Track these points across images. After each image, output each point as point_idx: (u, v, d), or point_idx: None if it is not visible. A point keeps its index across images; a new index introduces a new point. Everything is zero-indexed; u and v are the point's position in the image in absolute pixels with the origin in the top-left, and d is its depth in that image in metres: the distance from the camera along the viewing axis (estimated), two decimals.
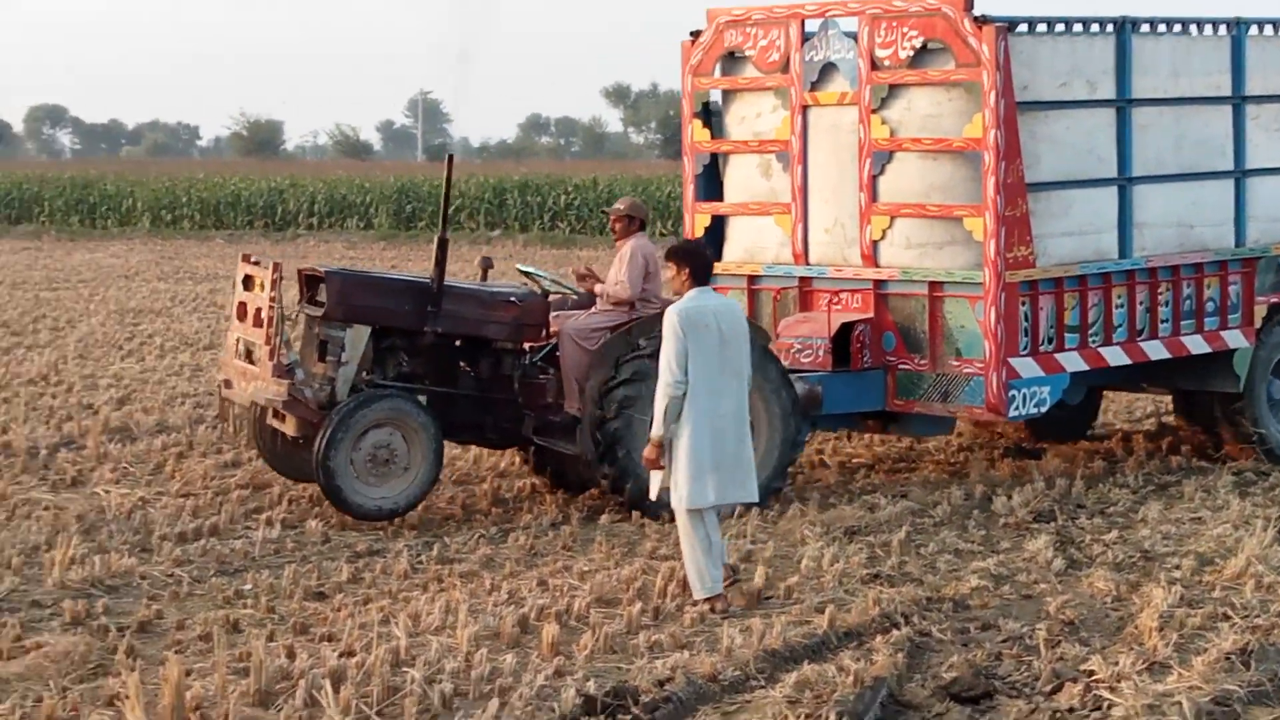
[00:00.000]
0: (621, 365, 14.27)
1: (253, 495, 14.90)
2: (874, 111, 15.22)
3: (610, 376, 14.24)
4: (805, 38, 15.55)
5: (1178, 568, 12.44)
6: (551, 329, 15.25)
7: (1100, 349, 15.54)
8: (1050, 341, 15.21)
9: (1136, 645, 10.52)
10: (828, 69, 15.51)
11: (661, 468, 11.60)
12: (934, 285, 14.99)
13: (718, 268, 15.99)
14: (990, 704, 9.62)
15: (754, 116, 16.23)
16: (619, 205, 15.46)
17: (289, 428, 14.45)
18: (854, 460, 16.63)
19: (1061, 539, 13.43)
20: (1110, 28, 15.49)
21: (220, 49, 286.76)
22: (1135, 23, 15.56)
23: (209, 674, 9.92)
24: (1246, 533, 13.21)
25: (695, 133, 16.58)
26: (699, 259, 11.74)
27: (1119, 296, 15.64)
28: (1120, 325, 15.68)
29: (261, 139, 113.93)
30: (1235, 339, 16.30)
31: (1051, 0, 16.56)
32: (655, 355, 13.21)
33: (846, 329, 15.35)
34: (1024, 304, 14.89)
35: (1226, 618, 11.03)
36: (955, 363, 14.76)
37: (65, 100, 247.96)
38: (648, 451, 11.67)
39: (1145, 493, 15.26)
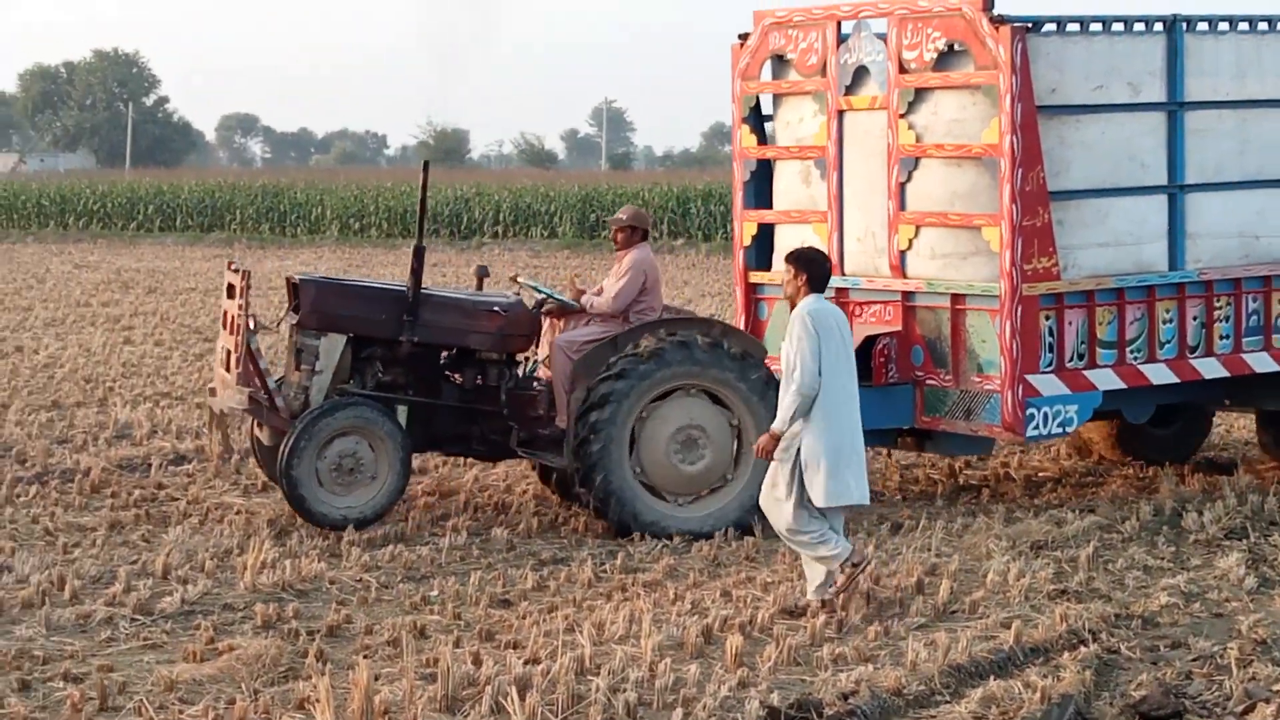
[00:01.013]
0: (594, 386, 14.00)
1: (439, 502, 15.16)
2: (901, 116, 14.83)
3: (585, 395, 13.97)
4: (841, 40, 15.27)
5: None
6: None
7: (1142, 366, 14.92)
8: (1081, 358, 14.67)
9: None
10: (860, 72, 15.19)
11: (773, 459, 11.64)
12: (956, 298, 14.57)
13: (765, 277, 16.23)
14: None
15: (797, 122, 15.99)
16: (620, 214, 15.20)
17: (264, 436, 14.60)
18: (1040, 474, 16.47)
19: (1253, 556, 13.28)
20: (1159, 27, 14.88)
21: (408, 59, 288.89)
22: (1190, 21, 14.93)
23: (397, 679, 10.04)
24: None
25: (743, 138, 16.41)
26: (818, 266, 11.81)
27: (1167, 311, 15.03)
28: (1168, 342, 15.04)
29: (447, 148, 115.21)
30: None
31: (1099, 1, 15.78)
32: (623, 375, 13.96)
33: (870, 342, 14.98)
34: (1048, 318, 14.39)
35: None
36: (977, 379, 14.33)
37: (256, 109, 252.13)
38: (764, 442, 11.67)
39: None
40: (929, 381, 14.28)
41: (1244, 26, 15.15)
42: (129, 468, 16.61)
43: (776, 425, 11.55)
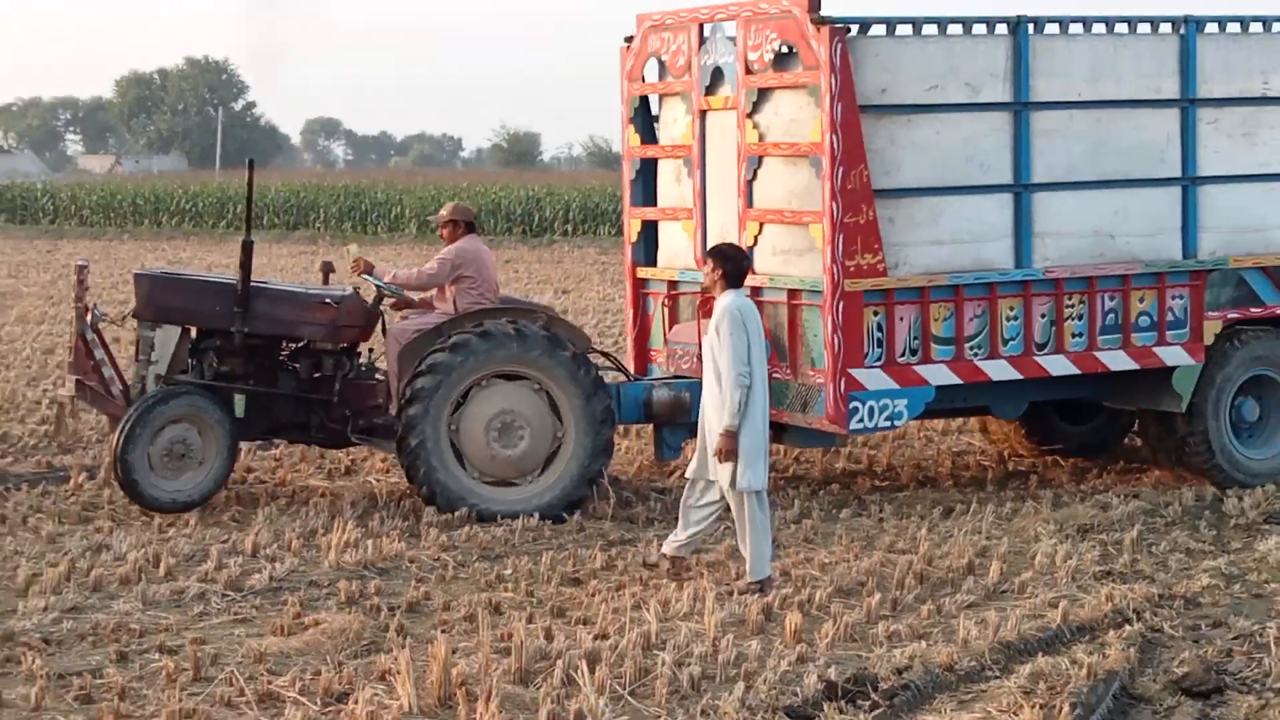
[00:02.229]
0: (417, 363, 14.08)
1: None
2: (748, 116, 14.66)
3: (414, 371, 14.08)
4: (702, 42, 15.24)
5: None
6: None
7: (981, 362, 14.52)
8: (914, 353, 14.33)
9: None
10: (717, 73, 15.09)
11: (735, 458, 11.67)
12: (792, 293, 14.40)
13: (651, 273, 16.43)
14: (1221, 699, 9.62)
15: (672, 122, 15.99)
16: (442, 212, 15.34)
17: (107, 424, 14.85)
18: (1086, 460, 16.26)
19: None
20: (1003, 29, 14.55)
21: (483, 63, 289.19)
22: (1038, 22, 14.60)
23: (473, 653, 10.21)
24: None
25: (630, 138, 16.42)
26: (734, 263, 11.87)
27: (1011, 308, 14.60)
28: (1013, 339, 14.61)
29: (520, 150, 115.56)
30: (1175, 356, 15.00)
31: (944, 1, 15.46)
32: (456, 348, 14.06)
33: None
34: (876, 314, 14.11)
35: None
36: (811, 373, 14.19)
37: (339, 113, 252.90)
38: (723, 444, 11.61)
39: None
40: (774, 375, 13.91)
41: (1099, 28, 14.87)
42: None
43: (729, 422, 11.57)
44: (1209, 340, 15.06)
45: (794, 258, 14.30)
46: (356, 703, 9.16)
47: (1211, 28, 15.12)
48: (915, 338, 14.24)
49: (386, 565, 12.61)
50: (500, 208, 60.48)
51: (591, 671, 9.65)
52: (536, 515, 13.89)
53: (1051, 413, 16.56)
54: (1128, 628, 10.77)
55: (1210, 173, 15.17)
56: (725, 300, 11.61)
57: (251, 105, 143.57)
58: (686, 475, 12.25)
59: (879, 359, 14.07)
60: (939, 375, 14.27)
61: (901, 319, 14.16)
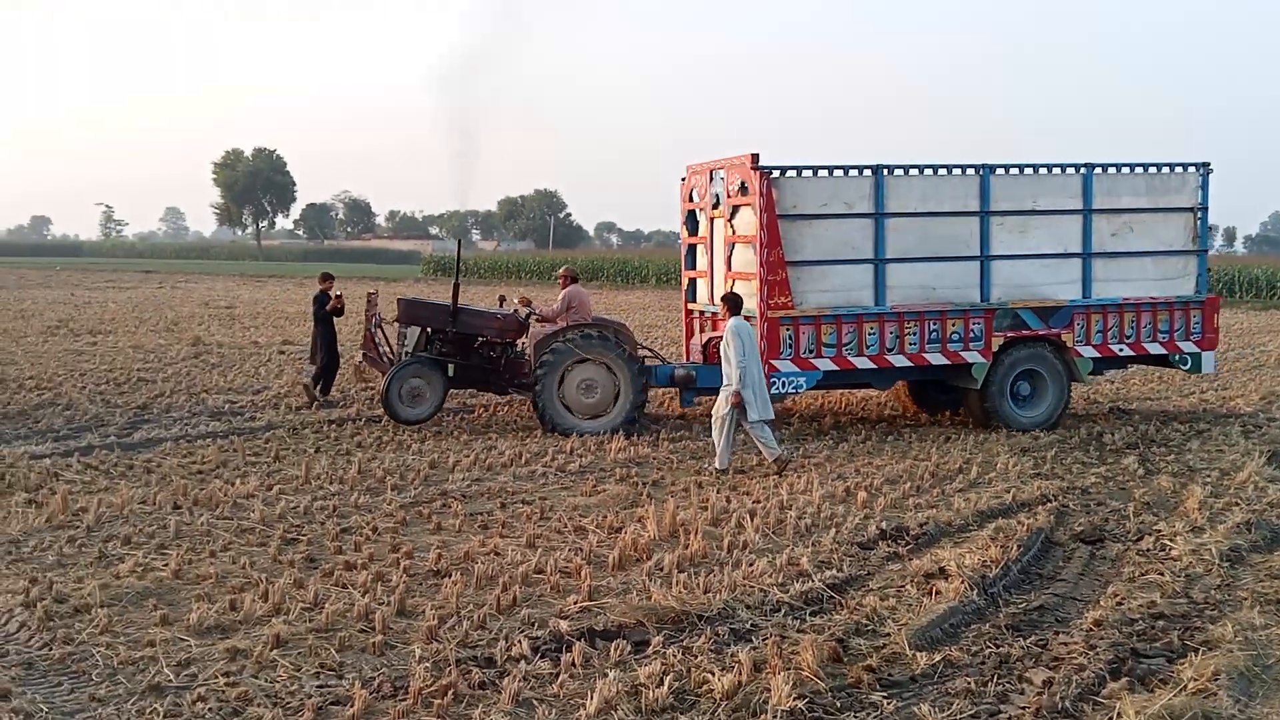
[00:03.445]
0: (542, 352, 15.01)
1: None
2: (728, 220, 15.52)
3: (538, 358, 15.18)
4: (711, 181, 16.09)
5: (1209, 476, 12.66)
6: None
7: (852, 357, 14.81)
8: (811, 352, 14.76)
9: (1185, 517, 10.76)
10: (716, 198, 15.94)
11: (744, 405, 12.12)
12: (748, 318, 14.63)
13: (695, 307, 17.13)
14: (1101, 546, 10.00)
15: (700, 224, 16.92)
16: (560, 271, 16.09)
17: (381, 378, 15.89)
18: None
19: (1142, 457, 13.67)
20: (868, 172, 14.95)
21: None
22: (890, 168, 15.07)
23: (687, 508, 10.88)
24: (1248, 457, 13.45)
25: (684, 233, 17.31)
26: (734, 303, 12.75)
27: (871, 329, 14.84)
28: (872, 345, 14.81)
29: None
30: (973, 356, 15.07)
31: (842, 145, 16.27)
32: (562, 344, 14.25)
33: (710, 341, 15.92)
34: (789, 330, 14.64)
35: (1236, 504, 11.24)
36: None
37: (616, 218, 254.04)
38: (733, 398, 12.31)
39: (1190, 433, 15.24)
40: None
41: (929, 171, 15.30)
42: None
43: (734, 387, 12.32)
44: (996, 347, 15.29)
45: (750, 299, 14.97)
46: (625, 533, 9.72)
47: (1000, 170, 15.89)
48: (811, 343, 14.82)
49: (641, 459, 13.28)
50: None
51: (751, 520, 10.31)
52: (605, 434, 14.49)
53: (927, 388, 17.16)
54: (1049, 504, 11.22)
55: (998, 252, 15.52)
56: (731, 323, 12.77)
57: (569, 215, 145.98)
58: (713, 414, 12.84)
59: (790, 354, 14.80)
60: (824, 364, 14.91)
61: (804, 333, 14.76)
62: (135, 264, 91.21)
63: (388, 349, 16.18)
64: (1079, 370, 15.64)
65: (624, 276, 62.87)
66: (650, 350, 16.61)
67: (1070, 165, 15.64)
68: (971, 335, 15.13)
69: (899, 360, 15.05)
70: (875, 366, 15.09)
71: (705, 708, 6.14)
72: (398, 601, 7.52)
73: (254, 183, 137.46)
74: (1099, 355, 15.72)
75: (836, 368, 14.90)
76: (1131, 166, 15.74)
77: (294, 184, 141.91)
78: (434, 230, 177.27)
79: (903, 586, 8.19)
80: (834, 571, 8.57)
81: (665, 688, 6.26)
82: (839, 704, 6.24)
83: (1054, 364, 15.52)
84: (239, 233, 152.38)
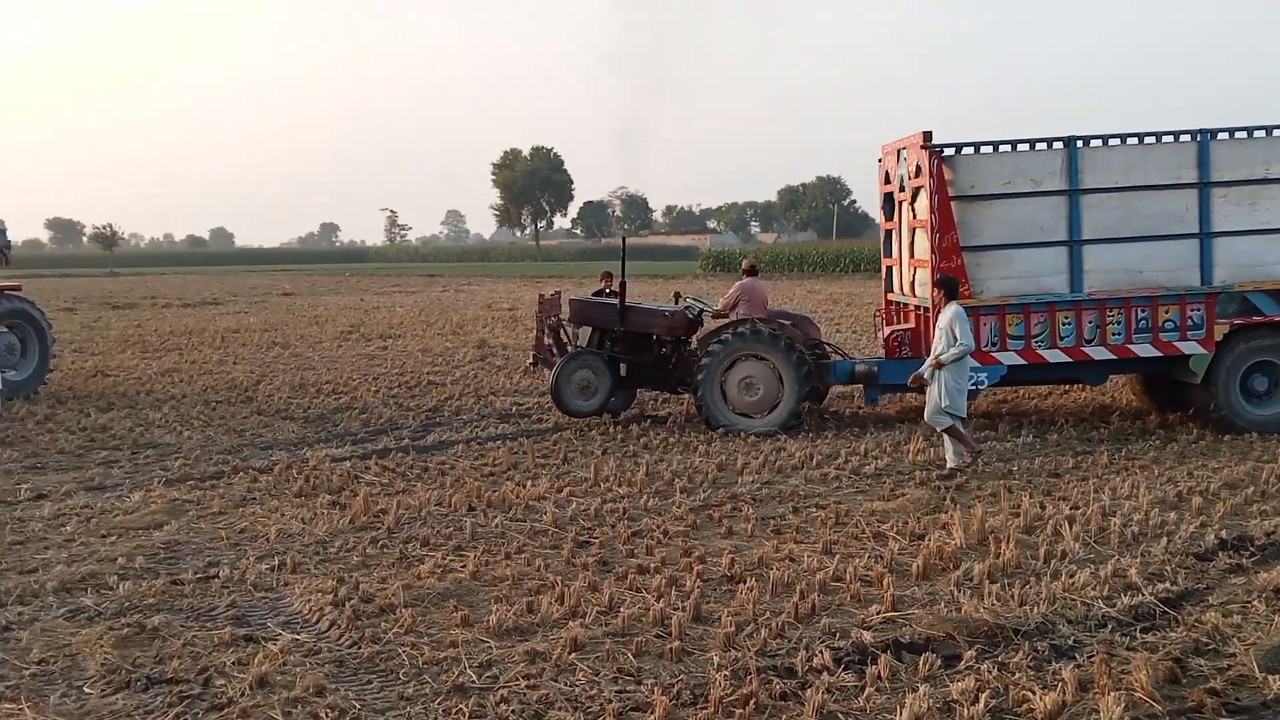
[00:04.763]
0: (704, 348, 14.30)
1: (1010, 417, 14.58)
2: (910, 204, 14.47)
3: (701, 355, 14.33)
4: (898, 161, 14.98)
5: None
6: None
7: (1043, 350, 13.48)
8: (994, 345, 13.48)
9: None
10: (902, 180, 14.80)
11: (926, 384, 11.54)
12: (926, 310, 14.01)
13: (891, 296, 15.77)
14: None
15: (896, 207, 15.49)
16: (743, 262, 15.63)
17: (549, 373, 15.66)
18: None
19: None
20: (1059, 144, 13.47)
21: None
22: (1086, 139, 13.45)
23: (997, 514, 10.01)
24: None
25: (881, 219, 16.10)
26: (951, 287, 11.85)
27: (1065, 318, 13.44)
28: (1066, 336, 13.43)
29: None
30: (1190, 347, 13.43)
31: (1025, 120, 13.90)
32: (722, 339, 14.02)
33: (893, 334, 14.53)
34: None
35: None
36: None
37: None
38: (930, 365, 11.52)
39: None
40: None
41: (1133, 140, 13.55)
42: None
43: (943, 358, 11.35)
44: (1219, 338, 13.64)
45: (929, 288, 13.82)
46: (929, 540, 9.07)
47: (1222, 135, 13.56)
48: (995, 335, 13.49)
49: (943, 461, 12.33)
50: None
51: (1070, 527, 9.35)
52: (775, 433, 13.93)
53: (1159, 381, 14.98)
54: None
55: (1223, 229, 13.57)
56: (953, 306, 11.49)
57: (854, 201, 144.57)
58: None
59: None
60: (1009, 359, 13.52)
61: (985, 325, 13.48)
62: (419, 268, 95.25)
63: (556, 345, 15.61)
64: None
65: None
66: (832, 346, 15.40)
67: None
68: (1190, 323, 13.33)
69: (1099, 353, 13.34)
70: (1070, 360, 13.40)
71: None
72: (692, 607, 7.36)
73: (532, 182, 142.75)
74: None
75: (1024, 362, 13.34)
76: None
77: (571, 182, 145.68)
78: (711, 224, 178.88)
79: (1248, 602, 7.44)
80: (1167, 584, 7.79)
81: (981, 705, 5.82)
82: None
83: None
84: (518, 234, 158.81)
